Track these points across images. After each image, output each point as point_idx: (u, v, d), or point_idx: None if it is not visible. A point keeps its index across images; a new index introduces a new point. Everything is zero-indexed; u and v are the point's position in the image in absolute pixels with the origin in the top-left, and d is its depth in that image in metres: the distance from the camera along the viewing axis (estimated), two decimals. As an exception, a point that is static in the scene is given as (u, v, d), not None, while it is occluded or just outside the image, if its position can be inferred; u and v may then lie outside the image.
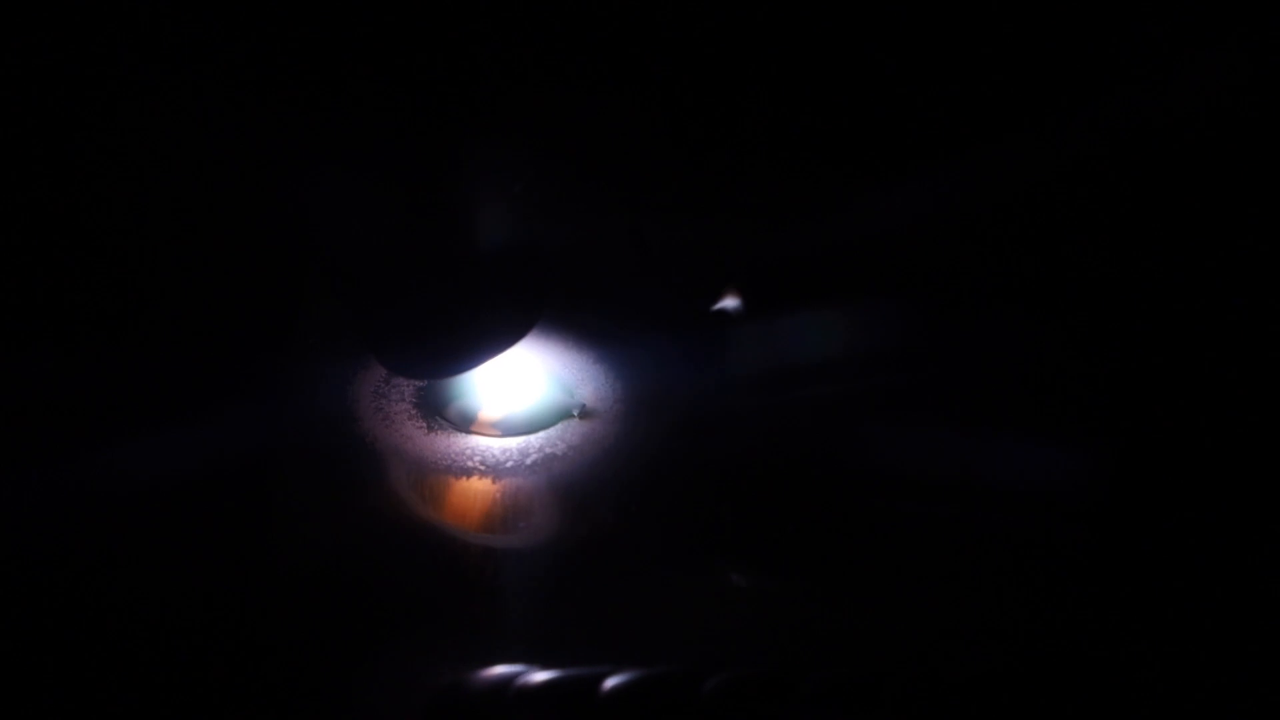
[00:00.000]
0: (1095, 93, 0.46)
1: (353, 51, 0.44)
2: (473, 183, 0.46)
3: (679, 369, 0.50)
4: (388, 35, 0.44)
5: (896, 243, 0.48)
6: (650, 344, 0.51)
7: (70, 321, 0.46)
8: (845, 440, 0.48)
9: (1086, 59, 0.46)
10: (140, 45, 0.44)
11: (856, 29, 0.46)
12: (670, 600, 0.47)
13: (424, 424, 0.51)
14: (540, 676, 0.43)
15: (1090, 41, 0.45)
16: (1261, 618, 0.44)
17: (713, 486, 0.48)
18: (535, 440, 0.51)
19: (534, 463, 0.50)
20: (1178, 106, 0.45)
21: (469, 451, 0.50)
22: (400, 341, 0.47)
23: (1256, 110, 0.46)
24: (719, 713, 0.41)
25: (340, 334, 0.50)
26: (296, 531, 0.47)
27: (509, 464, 0.50)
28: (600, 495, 0.49)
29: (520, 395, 0.52)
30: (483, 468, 0.50)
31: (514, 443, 0.51)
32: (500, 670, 0.43)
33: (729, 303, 0.49)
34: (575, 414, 0.51)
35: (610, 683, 0.42)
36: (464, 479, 0.50)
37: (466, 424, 0.51)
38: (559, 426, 0.51)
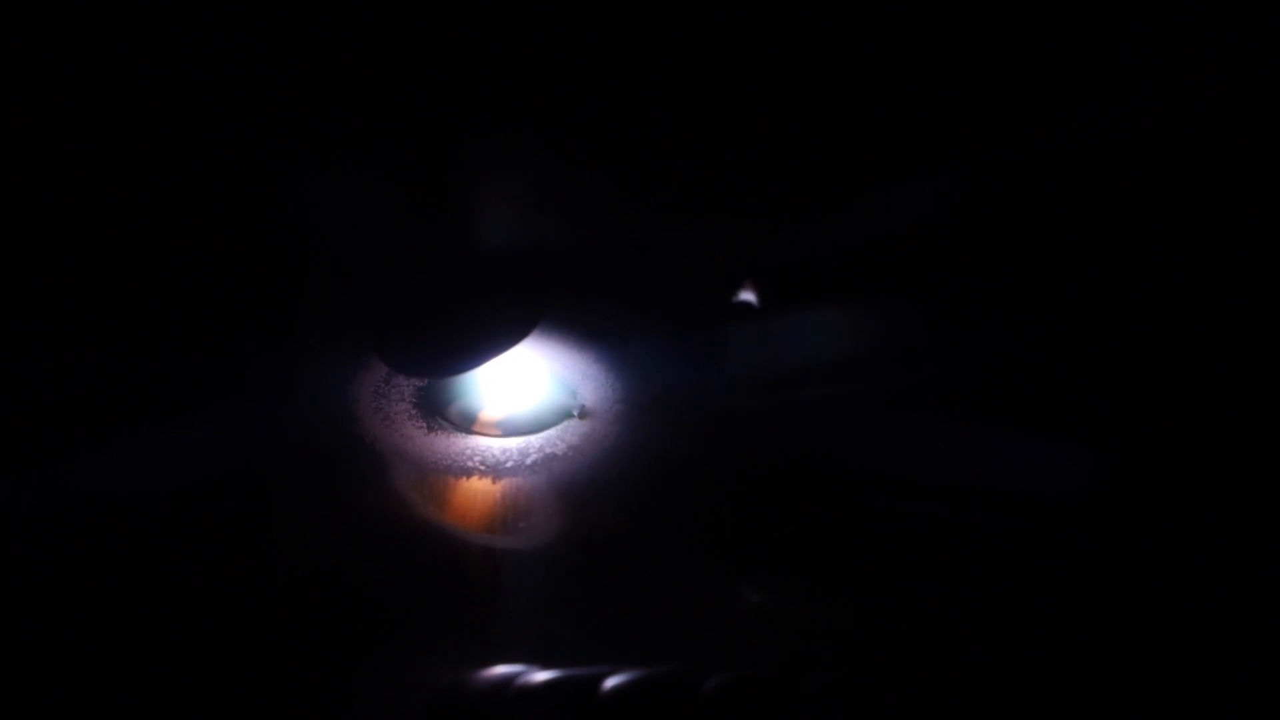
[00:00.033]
0: (1095, 93, 0.46)
1: (355, 49, 0.44)
2: (476, 181, 0.46)
3: (679, 369, 0.50)
4: (389, 33, 0.44)
5: (897, 243, 0.48)
6: (650, 344, 0.51)
7: (70, 321, 0.46)
8: (845, 440, 0.48)
9: (1085, 59, 0.46)
10: (139, 43, 0.44)
11: (857, 29, 0.46)
12: (670, 600, 0.47)
13: (424, 424, 0.51)
14: (540, 676, 0.43)
15: (1090, 41, 0.45)
16: (1261, 618, 0.44)
17: (713, 486, 0.48)
18: (535, 440, 0.51)
19: (534, 463, 0.50)
20: (1178, 106, 0.45)
21: (469, 451, 0.50)
22: (403, 340, 0.47)
23: (1257, 110, 0.46)
24: (719, 713, 0.41)
25: (340, 334, 0.50)
26: (296, 532, 0.47)
27: (509, 464, 0.50)
28: (600, 495, 0.49)
29: (520, 395, 0.52)
30: (483, 468, 0.50)
31: (514, 443, 0.51)
32: (500, 670, 0.43)
33: (747, 296, 0.49)
34: (575, 414, 0.51)
35: (610, 683, 0.42)
36: (464, 479, 0.50)
37: (466, 424, 0.51)
38: (559, 426, 0.51)
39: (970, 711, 0.42)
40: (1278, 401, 0.47)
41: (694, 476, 0.49)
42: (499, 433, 0.51)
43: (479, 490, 0.50)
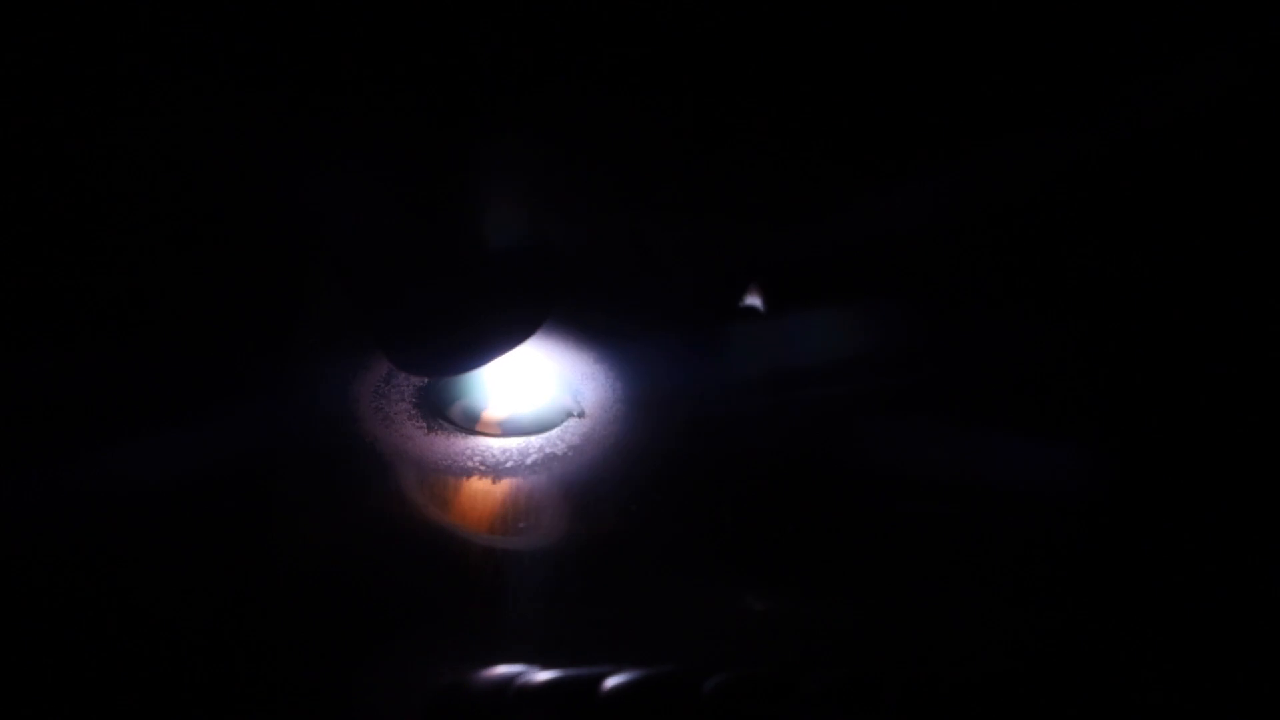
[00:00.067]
0: (1095, 94, 0.46)
1: (356, 48, 0.44)
2: (479, 181, 0.46)
3: (680, 369, 0.50)
4: (391, 32, 0.44)
5: (897, 243, 0.48)
6: (651, 344, 0.51)
7: (70, 321, 0.46)
8: (845, 440, 0.48)
9: (1085, 60, 0.46)
10: (139, 43, 0.44)
11: (858, 30, 0.46)
12: (670, 600, 0.47)
13: (424, 424, 0.51)
14: (540, 676, 0.43)
15: (1090, 42, 0.45)
16: (1261, 618, 0.44)
17: (713, 486, 0.48)
18: (535, 440, 0.51)
19: (534, 463, 0.50)
20: (1178, 107, 0.45)
21: (469, 451, 0.50)
22: (408, 339, 0.47)
23: (1257, 110, 0.46)
24: (719, 713, 0.41)
25: (340, 334, 0.50)
26: (296, 531, 0.47)
27: (509, 464, 0.50)
28: (601, 495, 0.49)
29: (521, 395, 0.52)
30: (483, 468, 0.50)
31: (514, 443, 0.51)
32: (500, 670, 0.43)
33: (751, 300, 0.49)
34: (575, 414, 0.51)
35: (610, 682, 0.42)
36: (464, 479, 0.50)
37: (467, 424, 0.51)
38: (559, 427, 0.51)
39: (970, 711, 0.42)
40: (1278, 402, 0.47)
41: (694, 476, 0.49)
42: (499, 433, 0.51)
43: (479, 490, 0.50)
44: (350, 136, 0.45)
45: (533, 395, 0.52)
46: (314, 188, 0.46)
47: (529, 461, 0.50)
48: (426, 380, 0.51)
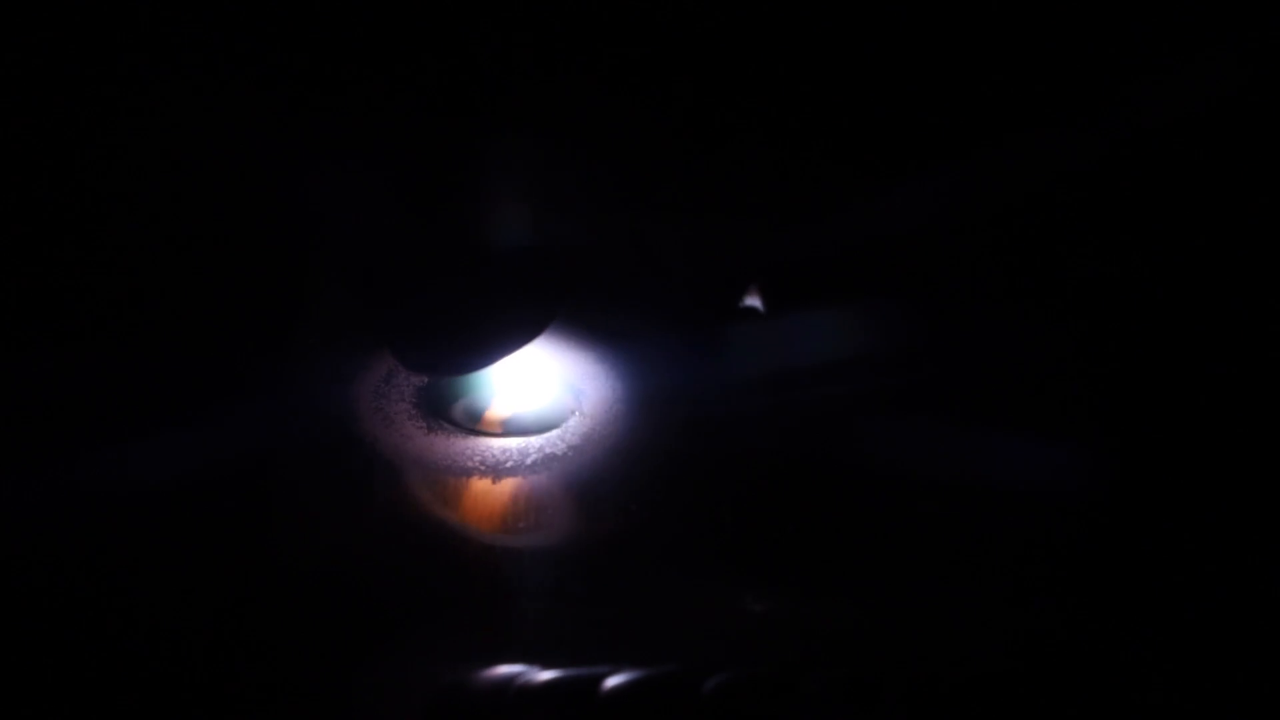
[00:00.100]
0: (1095, 95, 0.46)
1: (359, 47, 0.44)
2: (485, 179, 0.46)
3: (680, 369, 0.50)
4: (395, 30, 0.44)
5: (898, 243, 0.48)
6: (651, 344, 0.51)
7: (71, 321, 0.46)
8: (845, 440, 0.48)
9: (1085, 61, 0.46)
10: (140, 43, 0.44)
11: (859, 31, 0.46)
12: (671, 600, 0.47)
13: (424, 424, 0.51)
14: (540, 676, 0.43)
15: (1089, 42, 0.45)
16: (1261, 618, 0.44)
17: (713, 487, 0.48)
18: (535, 440, 0.51)
19: (534, 463, 0.50)
20: (1178, 107, 0.45)
21: (469, 451, 0.50)
22: (416, 338, 0.47)
23: (1257, 110, 0.46)
24: (719, 713, 0.41)
25: (340, 333, 0.50)
26: (296, 531, 0.47)
27: (509, 464, 0.50)
28: (600, 495, 0.49)
29: (521, 395, 0.52)
30: (482, 468, 0.50)
31: (514, 443, 0.51)
32: (500, 670, 0.43)
33: (753, 300, 0.49)
34: (575, 414, 0.51)
35: (610, 682, 0.42)
36: (464, 479, 0.50)
37: (466, 424, 0.51)
38: (559, 426, 0.51)
39: (970, 711, 0.42)
40: (1277, 402, 0.47)
41: (694, 476, 0.49)
42: (499, 432, 0.51)
43: (478, 490, 0.50)
44: (352, 136, 0.45)
45: (533, 395, 0.52)
46: (319, 188, 0.46)
47: (529, 461, 0.50)
48: (426, 380, 0.51)
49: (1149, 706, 0.43)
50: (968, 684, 0.43)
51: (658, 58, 0.46)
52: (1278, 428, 0.47)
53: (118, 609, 0.45)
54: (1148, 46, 0.45)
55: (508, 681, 0.43)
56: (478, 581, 0.47)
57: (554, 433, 0.51)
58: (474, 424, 0.51)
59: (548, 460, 0.50)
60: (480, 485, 0.50)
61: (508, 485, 0.50)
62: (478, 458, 0.50)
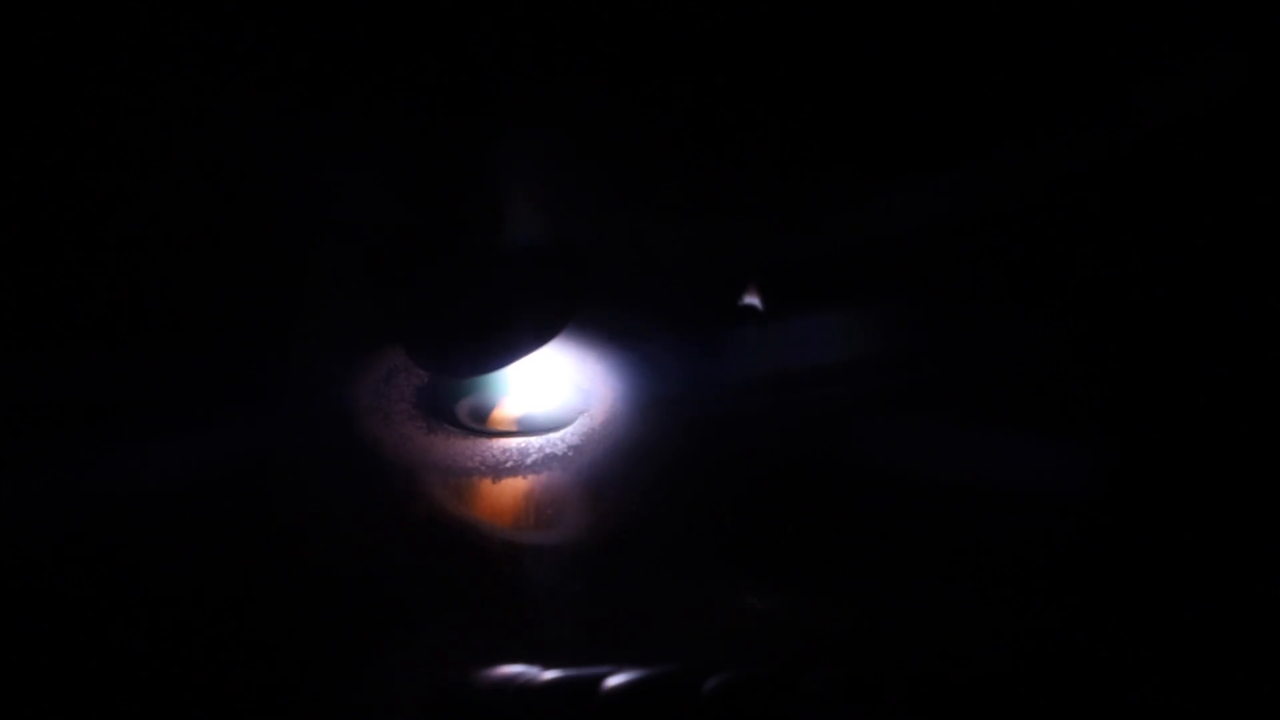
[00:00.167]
0: (1095, 96, 0.46)
1: (359, 46, 0.44)
2: (490, 180, 0.46)
3: (680, 369, 0.50)
4: (395, 30, 0.44)
5: (898, 243, 0.48)
6: (651, 344, 0.51)
7: (72, 322, 0.46)
8: (846, 440, 0.48)
9: (1085, 62, 0.46)
10: (140, 42, 0.44)
11: (859, 31, 0.46)
12: (671, 600, 0.47)
13: (424, 424, 0.51)
14: (540, 676, 0.43)
15: (1090, 43, 0.45)
16: (1261, 617, 0.44)
17: (714, 486, 0.48)
18: (535, 441, 0.51)
19: (534, 463, 0.50)
20: (1178, 108, 0.45)
21: (469, 451, 0.50)
22: (432, 338, 0.47)
23: (1256, 110, 0.46)
24: (719, 713, 0.41)
25: (340, 334, 0.50)
26: (295, 533, 0.47)
27: (509, 464, 0.50)
28: (601, 495, 0.49)
29: (522, 395, 0.52)
30: (482, 468, 0.50)
31: (514, 443, 0.51)
32: (501, 670, 0.43)
33: (752, 300, 0.49)
34: (576, 413, 0.51)
35: (611, 682, 0.42)
36: (463, 479, 0.50)
37: (467, 424, 0.51)
38: (560, 426, 0.51)
39: (970, 711, 0.42)
40: (1277, 402, 0.47)
41: (694, 476, 0.49)
42: (499, 433, 0.51)
43: (478, 491, 0.50)
44: (352, 137, 0.45)
45: (534, 395, 0.52)
46: (319, 188, 0.46)
47: (529, 461, 0.50)
48: (426, 380, 0.51)
49: (1149, 706, 0.43)
50: (968, 684, 0.43)
51: (658, 58, 0.46)
52: (1278, 428, 0.47)
53: (117, 609, 0.45)
54: (1148, 47, 0.45)
55: (508, 681, 0.43)
56: (477, 582, 0.47)
57: (554, 433, 0.51)
58: (474, 424, 0.51)
59: (548, 460, 0.50)
60: (480, 486, 0.50)
61: (508, 486, 0.50)
62: (477, 458, 0.50)
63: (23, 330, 0.46)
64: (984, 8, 0.45)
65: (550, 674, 0.43)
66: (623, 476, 0.50)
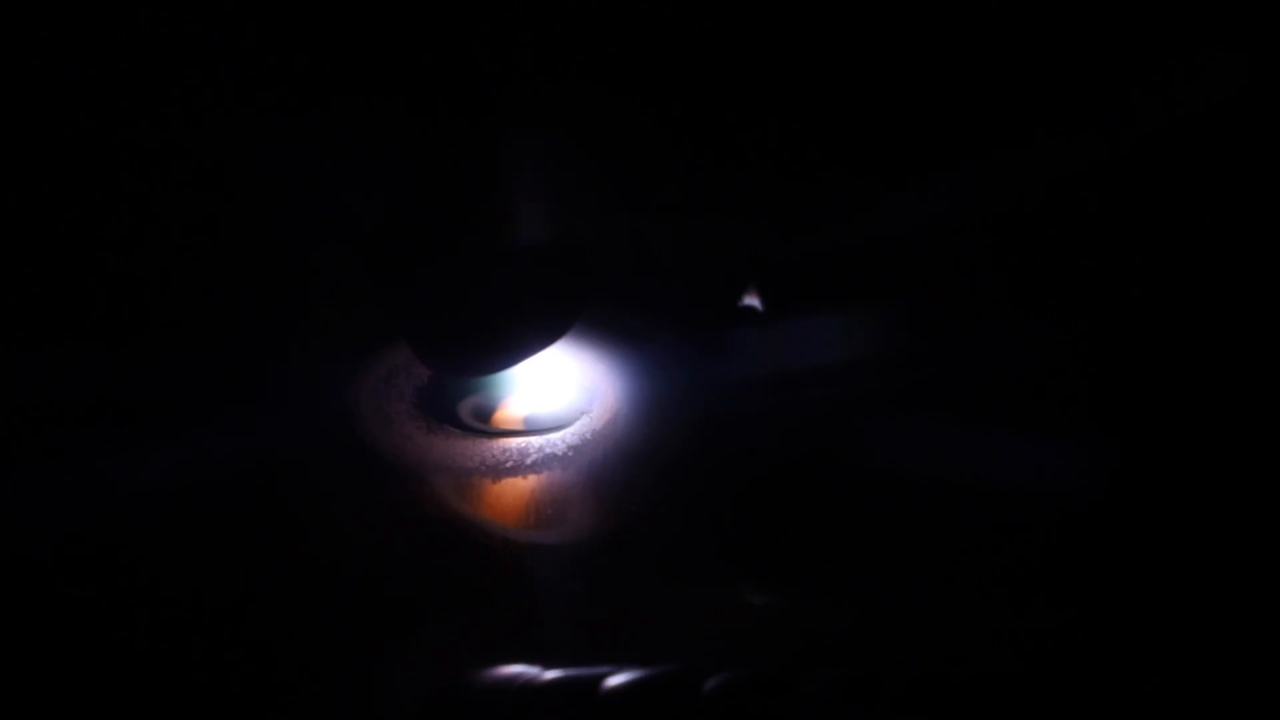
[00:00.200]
0: (1095, 96, 0.46)
1: (359, 47, 0.44)
2: (490, 181, 0.46)
3: (680, 369, 0.50)
4: (395, 30, 0.44)
5: (899, 243, 0.48)
6: (651, 344, 0.51)
7: (73, 322, 0.46)
8: (846, 440, 0.48)
9: (1085, 63, 0.46)
10: (141, 42, 0.44)
11: (859, 31, 0.46)
12: (671, 600, 0.47)
13: (424, 424, 0.51)
14: (540, 676, 0.43)
15: (1090, 44, 0.45)
16: (1261, 617, 0.44)
17: (714, 486, 0.48)
18: (535, 441, 0.51)
19: (534, 463, 0.50)
20: (1179, 108, 0.45)
21: (469, 451, 0.50)
22: (439, 338, 0.47)
23: (1256, 111, 0.46)
24: (719, 713, 0.41)
25: (339, 334, 0.50)
26: (295, 533, 0.47)
27: (509, 464, 0.50)
28: (601, 495, 0.49)
29: (522, 395, 0.52)
30: (482, 468, 0.50)
31: (514, 443, 0.51)
32: (501, 670, 0.43)
33: (751, 300, 0.49)
34: (577, 413, 0.51)
35: (610, 682, 0.42)
36: (463, 479, 0.50)
37: (466, 423, 0.51)
38: (560, 427, 0.51)
39: (970, 711, 0.42)
40: (1277, 402, 0.47)
41: (694, 476, 0.49)
42: (500, 433, 0.51)
43: (478, 491, 0.50)
44: (352, 137, 0.45)
45: (534, 395, 0.52)
46: (319, 189, 0.46)
47: (529, 461, 0.50)
48: (426, 380, 0.51)
49: (1149, 706, 0.43)
50: (968, 684, 0.43)
51: (658, 58, 0.46)
52: (1278, 428, 0.47)
53: (117, 609, 0.45)
54: (1148, 47, 0.45)
55: (508, 681, 0.43)
56: (478, 582, 0.47)
57: (554, 433, 0.51)
58: (474, 424, 0.51)
59: (548, 460, 0.50)
60: (480, 486, 0.50)
61: (508, 486, 0.50)
62: (477, 458, 0.50)
63: (23, 330, 0.46)
64: (984, 8, 0.45)
65: (550, 674, 0.43)
66: (622, 476, 0.50)
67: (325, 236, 0.48)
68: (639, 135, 0.47)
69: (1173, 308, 0.48)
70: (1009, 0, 0.45)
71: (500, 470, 0.50)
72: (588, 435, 0.51)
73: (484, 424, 0.51)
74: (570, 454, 0.50)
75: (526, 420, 0.52)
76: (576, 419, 0.52)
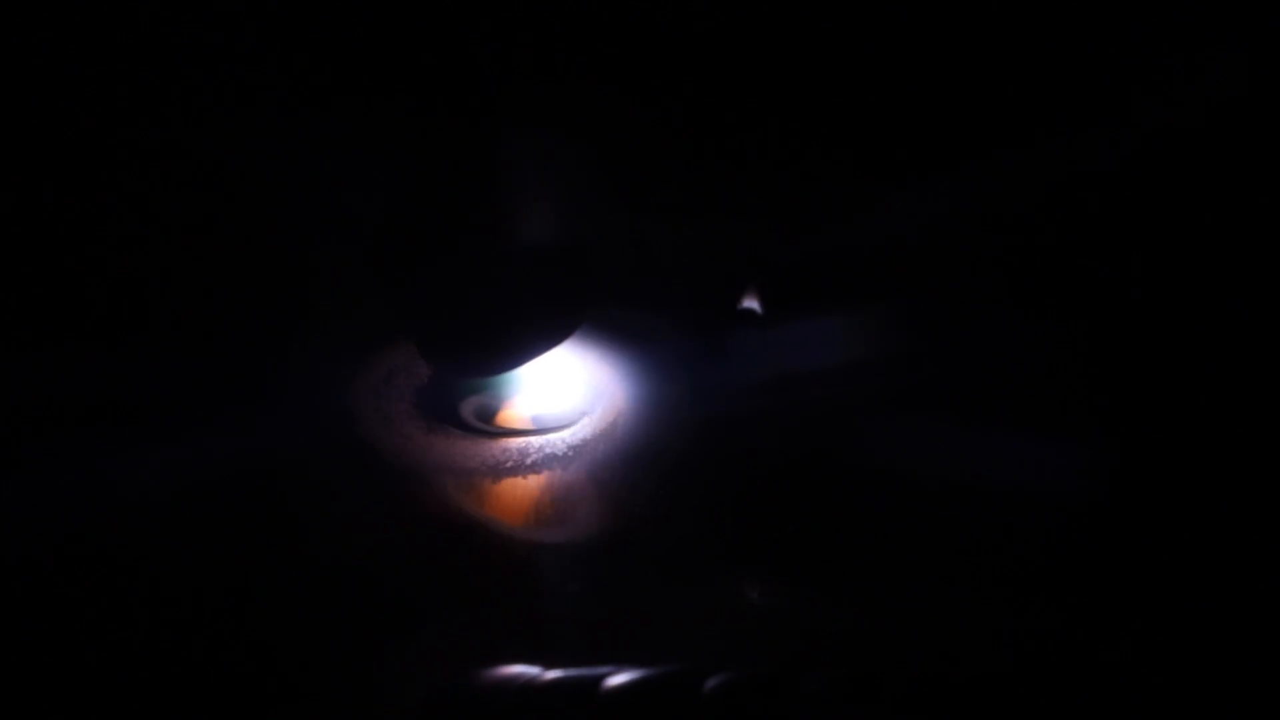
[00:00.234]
0: (1096, 96, 0.46)
1: (360, 47, 0.44)
2: (490, 181, 0.46)
3: (681, 370, 0.50)
4: (395, 30, 0.44)
5: (899, 243, 0.48)
6: (652, 344, 0.51)
7: (74, 322, 0.46)
8: (846, 440, 0.48)
9: (1085, 64, 0.46)
10: (141, 42, 0.44)
11: (859, 32, 0.46)
12: (671, 600, 0.47)
13: (424, 424, 0.51)
14: (541, 676, 0.43)
15: (1090, 45, 0.45)
16: (1261, 617, 0.44)
17: (714, 486, 0.49)
18: (535, 441, 0.51)
19: (534, 463, 0.50)
20: (1179, 109, 0.45)
21: (469, 451, 0.50)
22: (446, 338, 0.47)
23: (1257, 110, 0.46)
24: (719, 713, 0.41)
25: (339, 334, 0.50)
26: (295, 533, 0.47)
27: (509, 464, 0.50)
28: (601, 495, 0.49)
29: (523, 396, 0.52)
30: (483, 468, 0.50)
31: (514, 443, 0.51)
32: (501, 670, 0.43)
33: (750, 302, 0.49)
34: (577, 414, 0.51)
35: (611, 682, 0.42)
36: (463, 479, 0.50)
37: (466, 424, 0.51)
38: (560, 427, 0.51)
39: (970, 711, 0.42)
40: (1277, 402, 0.47)
41: (695, 476, 0.49)
42: (500, 433, 0.51)
43: (478, 491, 0.50)
44: (353, 137, 0.45)
45: (534, 395, 0.52)
46: (319, 189, 0.46)
47: (529, 462, 0.50)
48: (426, 380, 0.51)
49: (1149, 706, 0.43)
50: (968, 684, 0.43)
51: (659, 58, 0.46)
52: (1278, 428, 0.47)
53: (117, 609, 0.45)
54: (1148, 47, 0.45)
55: (509, 681, 0.43)
56: (478, 582, 0.47)
57: (555, 433, 0.51)
58: (474, 424, 0.51)
59: (548, 460, 0.50)
60: (481, 486, 0.50)
61: (508, 486, 0.50)
62: (478, 458, 0.50)
63: (23, 330, 0.46)
64: (984, 8, 0.45)
65: (551, 674, 0.43)
66: (623, 477, 0.50)
67: (326, 236, 0.48)
68: (639, 135, 0.47)
69: (1172, 308, 0.48)
70: (1009, 0, 0.45)
71: (500, 470, 0.50)
72: (588, 435, 0.51)
73: (484, 424, 0.51)
74: (570, 454, 0.50)
75: (527, 420, 0.52)
76: (577, 419, 0.52)
